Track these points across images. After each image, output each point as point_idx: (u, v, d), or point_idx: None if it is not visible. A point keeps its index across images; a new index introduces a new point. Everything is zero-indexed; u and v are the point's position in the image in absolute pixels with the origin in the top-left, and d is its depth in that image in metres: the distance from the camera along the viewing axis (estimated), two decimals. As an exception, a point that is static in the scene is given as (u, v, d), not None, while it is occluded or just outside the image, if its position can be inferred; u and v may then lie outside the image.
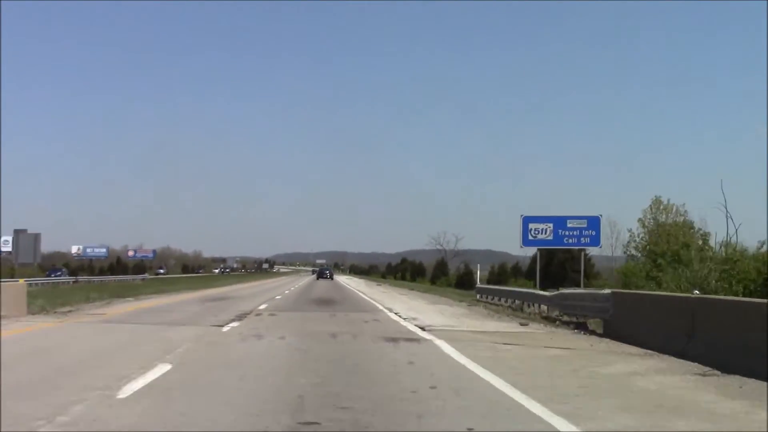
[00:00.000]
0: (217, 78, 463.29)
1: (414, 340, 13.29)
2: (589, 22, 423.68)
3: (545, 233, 34.35)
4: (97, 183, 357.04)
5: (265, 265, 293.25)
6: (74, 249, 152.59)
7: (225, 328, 15.35)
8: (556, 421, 6.18)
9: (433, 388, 7.79)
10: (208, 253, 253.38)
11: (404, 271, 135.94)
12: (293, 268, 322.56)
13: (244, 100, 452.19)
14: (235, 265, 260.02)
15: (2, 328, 13.87)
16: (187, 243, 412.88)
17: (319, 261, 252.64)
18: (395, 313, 21.70)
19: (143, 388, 7.60)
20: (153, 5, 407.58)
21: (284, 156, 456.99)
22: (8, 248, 61.03)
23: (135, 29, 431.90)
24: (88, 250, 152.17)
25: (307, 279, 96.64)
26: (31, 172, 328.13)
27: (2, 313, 16.09)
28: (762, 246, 25.56)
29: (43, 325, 15.87)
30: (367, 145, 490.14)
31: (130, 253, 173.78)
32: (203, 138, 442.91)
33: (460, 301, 30.50)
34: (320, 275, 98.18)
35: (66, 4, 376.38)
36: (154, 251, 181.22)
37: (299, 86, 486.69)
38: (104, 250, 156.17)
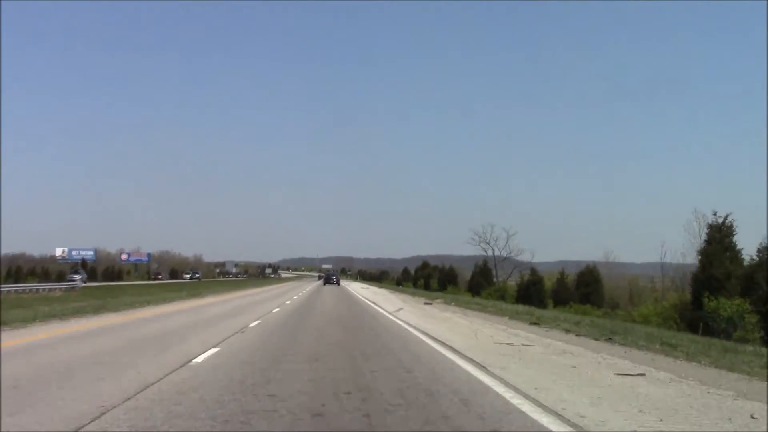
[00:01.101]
0: (222, 79, 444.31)
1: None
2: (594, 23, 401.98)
3: None
4: (101, 186, 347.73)
5: (268, 270, 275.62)
6: (59, 251, 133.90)
7: None
8: None
9: None
10: (210, 258, 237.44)
11: (427, 277, 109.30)
12: (298, 273, 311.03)
13: (250, 104, 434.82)
14: (233, 270, 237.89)
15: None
16: (193, 248, 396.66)
17: (325, 266, 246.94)
18: None
19: None
20: (153, 5, 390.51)
21: (291, 162, 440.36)
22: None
23: (136, 30, 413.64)
24: (74, 252, 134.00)
25: (309, 288, 73.45)
26: (32, 174, 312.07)
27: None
28: None
29: None
30: (373, 150, 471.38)
31: (123, 257, 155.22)
32: (210, 142, 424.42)
33: None
34: (327, 281, 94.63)
35: (66, 4, 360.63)
36: (148, 254, 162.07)
37: (306, 90, 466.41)
38: (91, 252, 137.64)
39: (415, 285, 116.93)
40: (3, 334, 13.98)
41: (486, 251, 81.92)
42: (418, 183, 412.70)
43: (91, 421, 6.07)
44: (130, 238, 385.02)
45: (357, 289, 68.31)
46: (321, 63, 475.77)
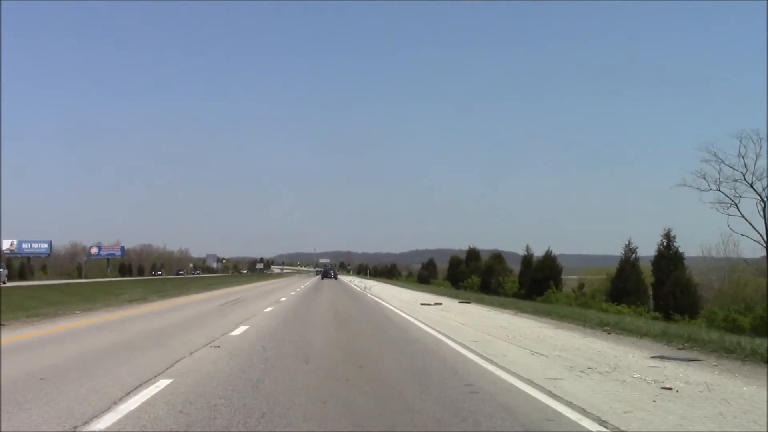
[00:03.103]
0: (220, 78, 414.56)
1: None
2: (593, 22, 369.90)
3: None
4: (91, 181, 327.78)
5: (260, 265, 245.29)
6: (6, 244, 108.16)
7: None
8: None
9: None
10: (200, 252, 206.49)
11: (487, 272, 65.22)
12: (293, 268, 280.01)
13: (248, 101, 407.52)
14: (215, 265, 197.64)
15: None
16: (190, 244, 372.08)
17: (322, 260, 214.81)
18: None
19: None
20: (154, 5, 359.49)
21: (288, 156, 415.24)
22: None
23: (134, 29, 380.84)
24: (25, 245, 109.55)
25: (299, 289, 43.97)
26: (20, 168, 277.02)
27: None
28: None
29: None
30: (370, 145, 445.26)
31: (93, 251, 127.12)
32: (207, 138, 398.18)
33: None
34: (324, 275, 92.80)
35: (66, 4, 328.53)
36: (122, 248, 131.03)
37: (302, 84, 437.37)
38: (45, 245, 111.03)
39: (455, 285, 73.84)
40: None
41: (735, 201, 32.75)
42: (417, 177, 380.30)
43: None
44: (121, 232, 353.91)
45: (389, 293, 24.49)
46: (316, 58, 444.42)
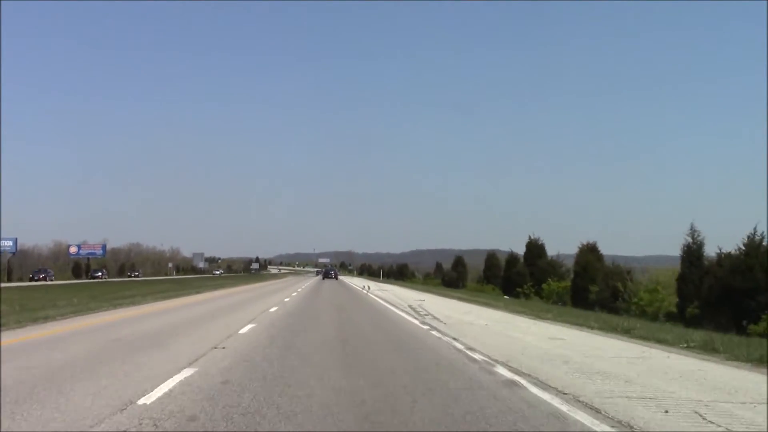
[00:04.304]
0: (222, 78, 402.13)
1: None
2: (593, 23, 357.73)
3: None
4: (89, 181, 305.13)
5: (255, 266, 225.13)
6: None
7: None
8: None
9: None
10: (188, 252, 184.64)
11: (582, 274, 40.16)
12: (290, 269, 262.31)
13: (248, 101, 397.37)
14: (201, 265, 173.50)
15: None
16: (188, 244, 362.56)
17: (322, 260, 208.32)
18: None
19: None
20: (153, 5, 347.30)
21: (287, 156, 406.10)
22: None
23: (133, 29, 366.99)
24: None
25: (265, 317, 18.17)
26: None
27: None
28: None
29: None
30: (370, 145, 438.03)
31: (73, 250, 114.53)
32: (205, 138, 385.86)
33: None
34: (325, 275, 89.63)
35: (66, 4, 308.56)
36: (103, 247, 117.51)
37: (300, 83, 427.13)
38: (10, 243, 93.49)
39: (509, 292, 50.43)
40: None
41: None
42: (417, 177, 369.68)
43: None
44: (120, 232, 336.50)
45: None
46: (316, 58, 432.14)
